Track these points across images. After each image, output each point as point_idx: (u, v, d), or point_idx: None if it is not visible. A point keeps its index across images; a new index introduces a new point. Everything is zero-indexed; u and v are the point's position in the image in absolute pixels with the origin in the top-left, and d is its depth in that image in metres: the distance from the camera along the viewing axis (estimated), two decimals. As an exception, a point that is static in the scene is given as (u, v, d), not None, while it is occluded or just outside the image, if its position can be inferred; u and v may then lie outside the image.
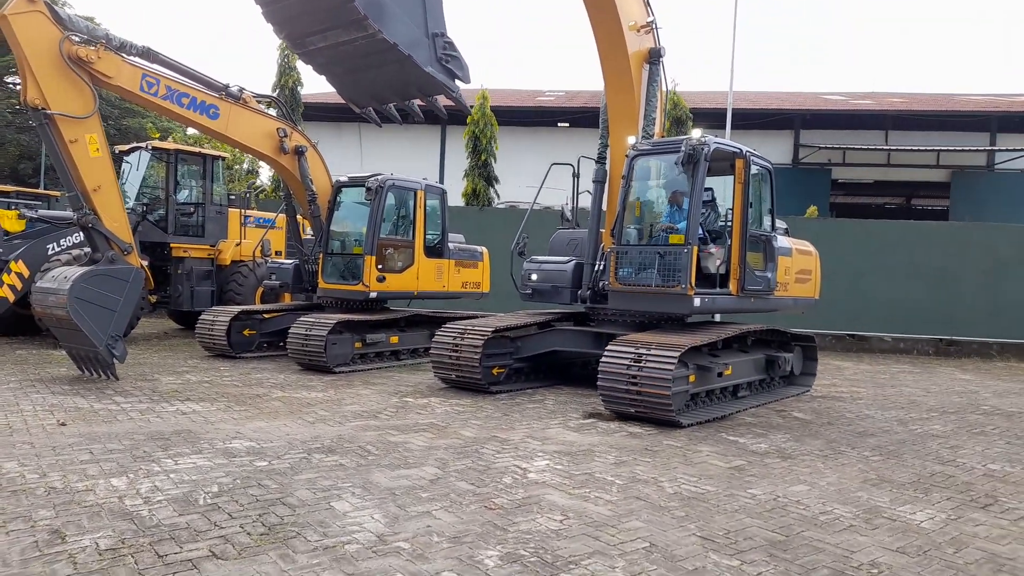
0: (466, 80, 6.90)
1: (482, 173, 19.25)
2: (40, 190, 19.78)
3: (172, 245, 13.68)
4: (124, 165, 14.96)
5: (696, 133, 7.94)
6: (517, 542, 3.96)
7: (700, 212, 7.80)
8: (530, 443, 6.32)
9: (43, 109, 8.23)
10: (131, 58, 9.02)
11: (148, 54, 9.24)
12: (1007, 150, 26.44)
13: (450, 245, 12.25)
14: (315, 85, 30.18)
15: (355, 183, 11.43)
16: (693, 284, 7.60)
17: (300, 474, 5.11)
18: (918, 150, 26.19)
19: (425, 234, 11.64)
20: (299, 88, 22.23)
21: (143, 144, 13.66)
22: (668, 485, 5.17)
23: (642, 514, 4.52)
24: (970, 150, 26.32)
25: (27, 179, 31.32)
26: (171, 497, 4.50)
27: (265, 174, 44.21)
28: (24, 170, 33.50)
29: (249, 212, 15.00)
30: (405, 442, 6.18)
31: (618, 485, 5.12)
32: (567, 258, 9.63)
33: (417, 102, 8.25)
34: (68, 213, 14.07)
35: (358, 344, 10.71)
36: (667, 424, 7.13)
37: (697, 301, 7.66)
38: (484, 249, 13.18)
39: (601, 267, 9.11)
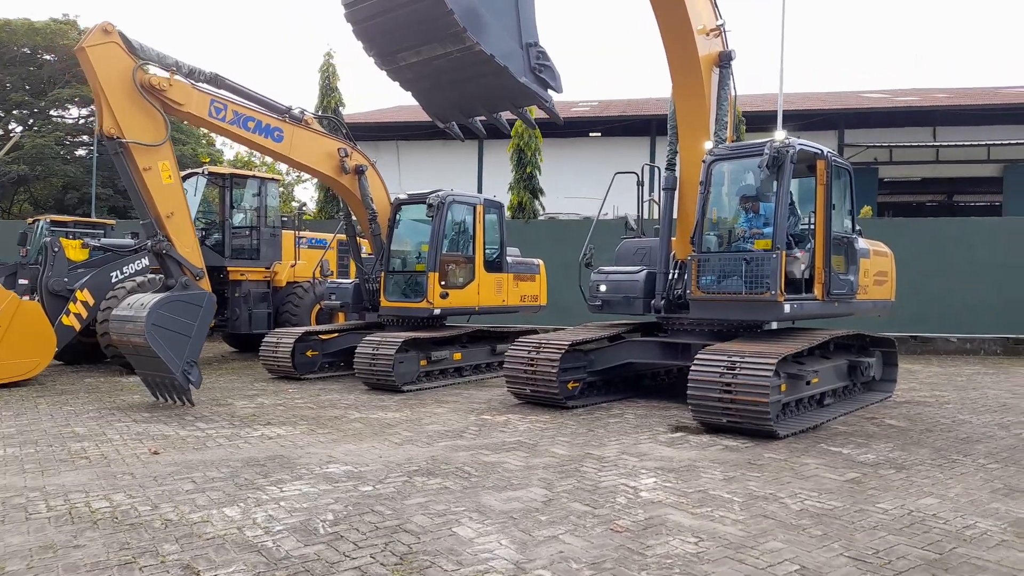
0: (559, 90, 6.80)
1: (527, 186, 19.18)
2: (94, 219, 20.15)
3: (229, 269, 13.76)
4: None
5: (779, 135, 7.73)
6: (660, 568, 3.78)
7: (787, 216, 7.56)
8: (628, 460, 6.13)
9: (118, 138, 8.30)
10: (200, 84, 9.09)
11: (216, 80, 9.31)
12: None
13: (507, 259, 12.15)
14: (355, 106, 30.51)
15: (415, 200, 11.39)
16: (783, 290, 7.36)
17: (409, 498, 4.98)
18: (968, 145, 25.53)
19: (485, 249, 11.55)
20: (341, 108, 22.48)
21: (199, 169, 13.80)
22: (790, 501, 4.94)
23: (777, 533, 4.30)
24: (1022, 143, 25.59)
25: (72, 209, 32.00)
26: (289, 526, 4.40)
27: (301, 194, 44.63)
28: (70, 200, 34.26)
29: (302, 233, 15.05)
30: (501, 462, 6.04)
31: (738, 503, 4.91)
32: (637, 268, 9.43)
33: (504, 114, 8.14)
34: (129, 241, 14.33)
35: (423, 362, 10.63)
36: (763, 435, 6.89)
37: (787, 307, 7.42)
38: (540, 262, 13.05)
39: (675, 275, 8.93)
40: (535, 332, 13.10)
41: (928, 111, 26.66)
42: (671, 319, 9.05)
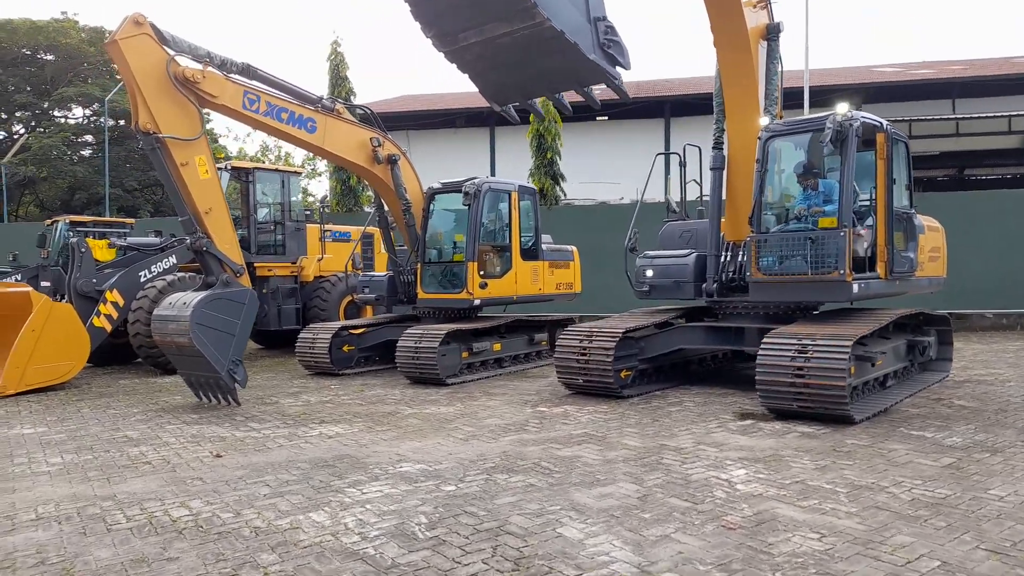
0: (627, 66, 6.53)
1: (548, 172, 18.90)
2: (111, 218, 19.92)
3: (256, 265, 13.52)
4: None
5: (841, 108, 7.47)
6: (794, 567, 3.57)
7: (852, 192, 7.30)
8: (707, 451, 5.92)
9: (155, 133, 8.07)
10: (232, 76, 8.83)
11: (247, 71, 9.05)
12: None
13: (543, 246, 11.91)
14: (364, 96, 30.20)
15: (449, 189, 11.13)
16: (851, 269, 7.12)
17: (498, 498, 4.78)
18: (988, 117, 25.14)
19: (520, 236, 11.31)
20: (352, 98, 22.15)
21: (221, 164, 13.54)
22: (897, 491, 4.73)
23: (899, 526, 4.09)
24: (1043, 113, 25.18)
25: (81, 209, 31.76)
26: (385, 531, 4.20)
27: (315, 188, 44.32)
28: (78, 200, 34.02)
29: (327, 226, 14.80)
30: (576, 456, 5.83)
31: (843, 493, 4.70)
32: (685, 251, 9.19)
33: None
34: (154, 239, 14.11)
35: (465, 354, 10.42)
36: (838, 420, 6.67)
37: (855, 287, 7.18)
38: (574, 248, 12.80)
39: (727, 258, 8.70)
40: (572, 321, 12.92)
41: (945, 83, 26.27)
42: (723, 303, 8.83)
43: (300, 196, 14.58)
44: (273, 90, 9.36)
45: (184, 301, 8.29)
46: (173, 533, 4.26)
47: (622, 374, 8.59)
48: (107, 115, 29.14)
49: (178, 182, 8.35)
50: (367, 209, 21.06)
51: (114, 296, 11.65)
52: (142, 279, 11.98)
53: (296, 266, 14.15)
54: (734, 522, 4.21)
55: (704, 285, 8.85)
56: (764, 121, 8.14)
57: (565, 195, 19.94)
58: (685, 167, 10.09)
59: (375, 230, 16.09)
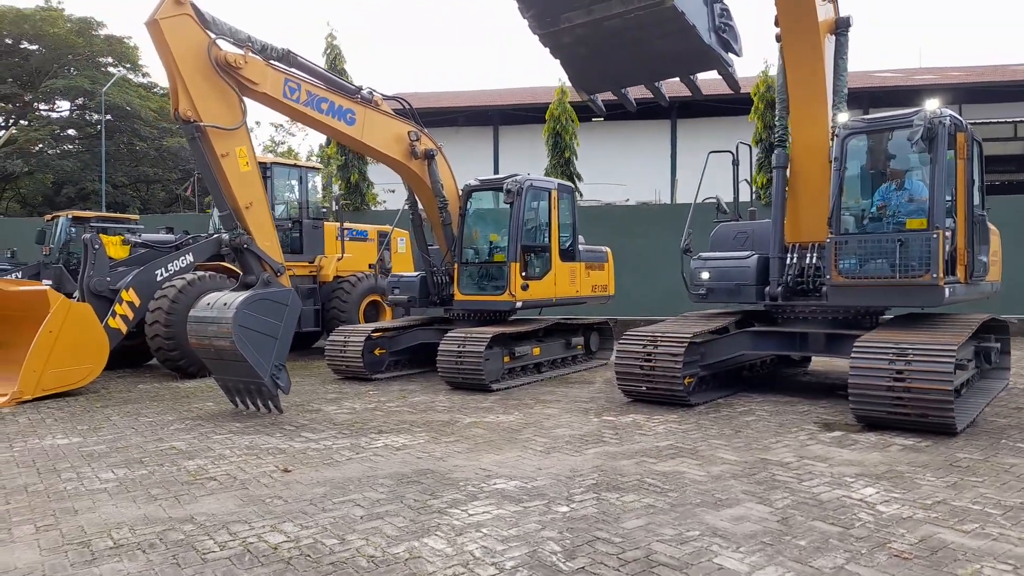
0: (740, 53, 6.14)
1: (564, 171, 18.51)
2: (111, 214, 19.17)
3: (273, 264, 12.97)
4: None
5: (931, 105, 7.15)
6: (1010, 605, 3.20)
7: (945, 193, 6.98)
8: (815, 466, 5.55)
9: (195, 121, 7.53)
10: (272, 62, 8.31)
11: (287, 57, 8.54)
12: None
13: (579, 247, 11.51)
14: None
15: (487, 186, 10.72)
16: (943, 272, 6.80)
17: (622, 521, 4.35)
18: (994, 123, 25.21)
19: (560, 236, 10.89)
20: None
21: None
22: (1054, 511, 4.38)
23: (1087, 554, 3.73)
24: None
25: (67, 205, 30.78)
26: (520, 561, 3.76)
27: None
28: (66, 195, 32.98)
29: (347, 225, 14.28)
30: (678, 472, 5.42)
31: (998, 515, 4.34)
32: (746, 253, 8.83)
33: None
34: (168, 236, 13.48)
35: (507, 358, 9.98)
36: (938, 430, 6.33)
37: (947, 291, 6.86)
38: (608, 249, 12.41)
39: (793, 260, 8.36)
40: (606, 324, 12.54)
41: (951, 88, 26.30)
42: (786, 307, 8.49)
43: (320, 193, 14.00)
44: (313, 79, 8.85)
45: (224, 302, 7.75)
46: (279, 563, 3.78)
47: (685, 380, 8.20)
48: (103, 108, 28.23)
49: (218, 174, 7.82)
50: (373, 208, 20.53)
51: (130, 296, 11.03)
52: (158, 278, 11.39)
53: (314, 266, 13.62)
54: (904, 551, 3.83)
55: (767, 288, 8.50)
56: (843, 118, 7.80)
57: (582, 195, 19.55)
58: (738, 165, 9.75)
59: (392, 228, 15.68)
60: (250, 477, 5.45)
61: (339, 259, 13.78)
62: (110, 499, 4.95)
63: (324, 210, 14.81)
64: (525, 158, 20.47)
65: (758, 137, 17.73)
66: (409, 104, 10.31)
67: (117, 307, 10.91)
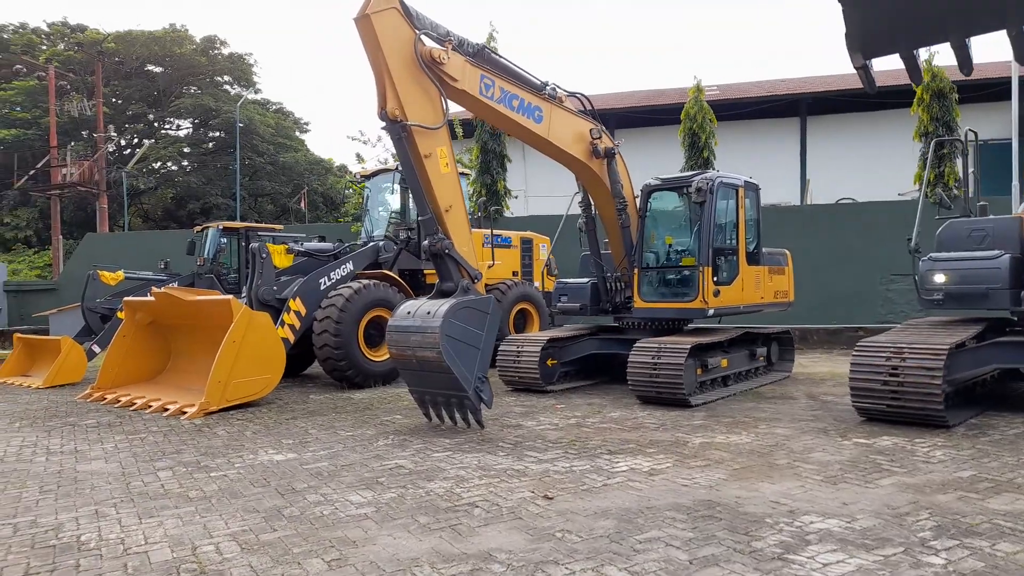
0: None
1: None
2: (264, 224, 19.50)
3: (426, 272, 12.69)
4: (364, 192, 14.26)
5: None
6: None
7: None
8: None
9: (402, 121, 7.16)
10: (469, 59, 7.89)
11: (481, 54, 8.11)
12: None
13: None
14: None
15: (669, 186, 10.01)
16: None
17: (1027, 579, 3.52)
18: None
19: (747, 238, 10.04)
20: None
21: (394, 166, 12.75)
22: None
23: None
24: None
25: (190, 219, 31.96)
26: (956, 635, 3.00)
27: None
28: (191, 209, 34.30)
29: (496, 232, 13.84)
30: (1017, 511, 4.52)
31: None
32: (996, 252, 7.75)
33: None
34: (327, 245, 13.40)
35: (699, 370, 9.19)
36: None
37: None
38: (787, 252, 11.46)
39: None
40: (787, 333, 11.57)
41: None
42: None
43: (471, 199, 13.65)
44: (504, 74, 8.38)
45: (427, 310, 7.32)
46: (644, 623, 3.15)
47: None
48: (237, 121, 29.19)
49: (421, 176, 7.43)
50: (507, 214, 20.13)
51: (296, 305, 10.89)
52: (322, 286, 11.23)
53: (465, 273, 13.21)
54: None
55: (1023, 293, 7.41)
56: None
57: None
58: (967, 156, 8.69)
59: (533, 235, 15.16)
60: (513, 504, 4.89)
61: (490, 266, 13.32)
62: (378, 527, 4.48)
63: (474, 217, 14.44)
64: (647, 160, 19.59)
65: (923, 130, 16.27)
66: (588, 100, 9.72)
67: (285, 316, 10.78)
